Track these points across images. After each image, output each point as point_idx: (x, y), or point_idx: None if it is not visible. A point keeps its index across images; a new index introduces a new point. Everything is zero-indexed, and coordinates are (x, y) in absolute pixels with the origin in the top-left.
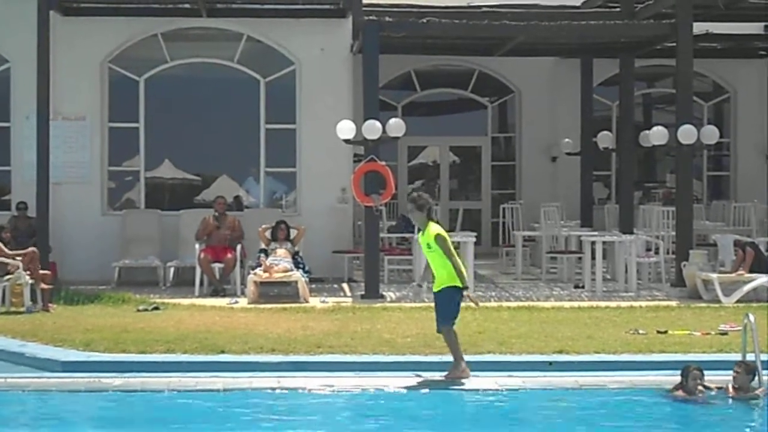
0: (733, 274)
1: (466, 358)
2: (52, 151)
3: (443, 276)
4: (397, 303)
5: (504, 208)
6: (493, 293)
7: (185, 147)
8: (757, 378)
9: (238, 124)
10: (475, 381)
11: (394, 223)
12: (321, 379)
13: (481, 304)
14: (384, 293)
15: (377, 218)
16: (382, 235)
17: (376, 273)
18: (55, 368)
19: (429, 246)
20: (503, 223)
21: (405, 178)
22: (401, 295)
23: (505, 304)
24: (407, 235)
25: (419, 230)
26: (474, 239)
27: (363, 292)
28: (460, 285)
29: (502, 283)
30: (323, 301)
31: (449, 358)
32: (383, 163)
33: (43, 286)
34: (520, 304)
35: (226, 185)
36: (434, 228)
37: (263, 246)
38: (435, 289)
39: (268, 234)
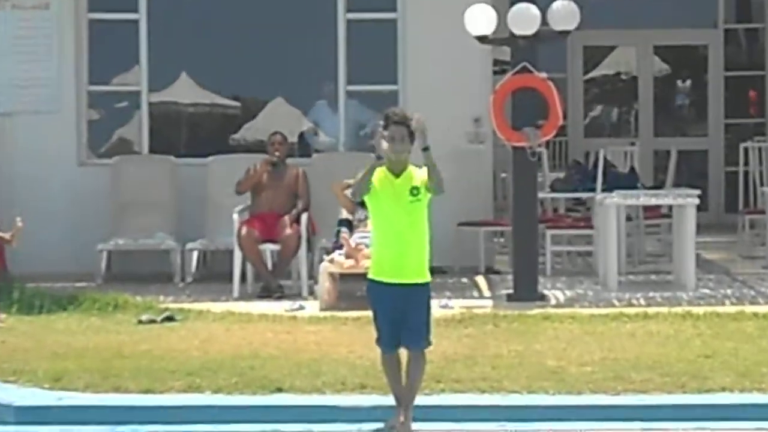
0: None
1: (685, 393)
2: None
3: (423, 257)
4: (568, 308)
5: (747, 149)
6: (729, 291)
7: (214, 53)
8: None
9: (300, 15)
10: None
11: (562, 175)
12: None
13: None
14: (546, 291)
15: (534, 167)
16: (542, 195)
17: (533, 259)
18: (5, 417)
19: (415, 194)
20: (745, 173)
21: (579, 100)
22: (575, 294)
23: (749, 308)
24: (584, 195)
25: (396, 173)
26: (696, 201)
27: (511, 291)
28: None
29: (744, 273)
30: (444, 306)
31: (657, 399)
32: (543, 75)
33: None
34: None
35: (283, 115)
36: (423, 170)
37: (345, 215)
38: (410, 279)
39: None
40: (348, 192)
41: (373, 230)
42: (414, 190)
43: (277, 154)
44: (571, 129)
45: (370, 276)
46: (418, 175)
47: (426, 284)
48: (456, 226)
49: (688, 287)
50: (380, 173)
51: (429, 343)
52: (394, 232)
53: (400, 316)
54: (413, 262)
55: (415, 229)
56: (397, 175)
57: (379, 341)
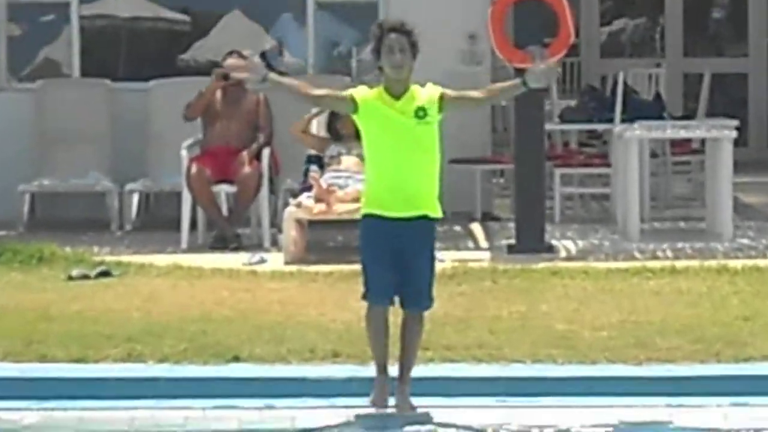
0: None
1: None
2: None
3: (432, 186)
4: (580, 261)
5: None
6: None
7: None
8: None
9: None
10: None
11: (573, 102)
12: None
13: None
14: (554, 242)
15: (540, 94)
16: (549, 126)
17: (539, 203)
18: None
19: (421, 116)
20: None
21: (594, 13)
22: (589, 244)
23: None
24: (599, 127)
25: (396, 95)
26: (734, 134)
27: (512, 241)
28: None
29: None
30: (435, 260)
31: (686, 369)
32: None
33: None
34: None
35: (241, 31)
36: (428, 87)
37: (313, 151)
38: (415, 211)
39: (321, 127)
40: (313, 127)
41: (368, 163)
42: (420, 111)
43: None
44: (584, 47)
45: (365, 210)
46: (424, 93)
47: (433, 220)
48: (447, 164)
49: (723, 236)
50: (375, 94)
51: (432, 301)
52: (395, 164)
53: (399, 261)
54: (421, 192)
55: (423, 157)
56: (398, 96)
57: (367, 294)
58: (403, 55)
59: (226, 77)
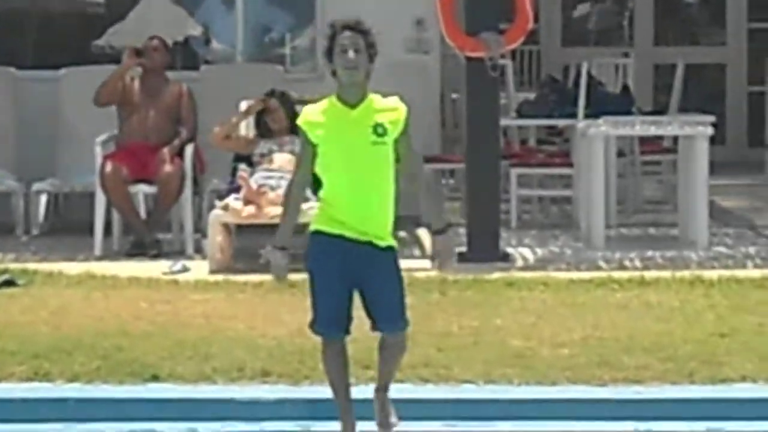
0: None
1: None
2: None
3: (389, 214)
4: (539, 271)
5: None
6: (752, 249)
7: None
8: None
9: None
10: None
11: (532, 95)
12: None
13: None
14: (510, 249)
15: (495, 86)
16: (505, 122)
17: (493, 207)
18: None
19: (380, 133)
20: None
21: None
22: (548, 253)
23: None
24: (561, 122)
25: (351, 103)
26: (710, 131)
27: (463, 249)
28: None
29: None
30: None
31: (656, 391)
32: None
33: None
34: None
35: (161, 15)
36: (391, 100)
37: (241, 150)
38: (372, 238)
39: (249, 126)
40: (241, 129)
41: (323, 178)
42: (378, 128)
43: (151, 61)
44: (544, 34)
45: (315, 227)
46: (386, 108)
47: (393, 248)
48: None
49: (698, 244)
50: (324, 105)
51: (407, 322)
52: (350, 182)
53: (361, 285)
54: (376, 220)
55: (379, 180)
56: (353, 105)
57: (315, 323)
58: (358, 55)
59: (139, 53)
